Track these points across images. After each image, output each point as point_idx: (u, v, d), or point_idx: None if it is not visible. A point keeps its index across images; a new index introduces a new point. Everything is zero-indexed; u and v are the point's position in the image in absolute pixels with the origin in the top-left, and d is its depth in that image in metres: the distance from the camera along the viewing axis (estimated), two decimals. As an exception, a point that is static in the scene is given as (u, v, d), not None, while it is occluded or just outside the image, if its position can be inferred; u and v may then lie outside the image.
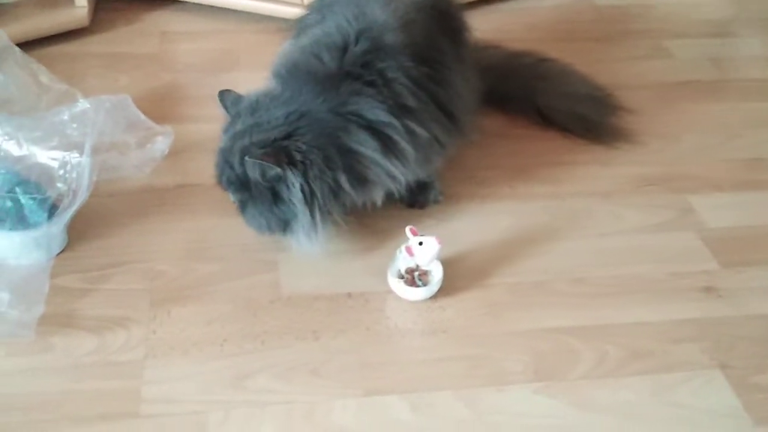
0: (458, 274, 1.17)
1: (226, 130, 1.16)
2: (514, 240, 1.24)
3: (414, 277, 1.12)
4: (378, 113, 1.12)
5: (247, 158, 1.08)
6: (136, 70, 1.59)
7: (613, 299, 1.16)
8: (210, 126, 1.25)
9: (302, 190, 1.09)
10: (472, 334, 1.09)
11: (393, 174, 1.15)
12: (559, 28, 1.80)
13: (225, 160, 1.13)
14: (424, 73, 1.16)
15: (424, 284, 1.12)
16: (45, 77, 1.38)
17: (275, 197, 1.11)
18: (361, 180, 1.14)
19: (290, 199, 1.10)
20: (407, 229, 1.13)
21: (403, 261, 1.13)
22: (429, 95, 1.17)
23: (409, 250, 1.12)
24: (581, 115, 1.47)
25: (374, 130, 1.12)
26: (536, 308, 1.14)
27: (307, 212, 1.11)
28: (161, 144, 1.32)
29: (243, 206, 1.15)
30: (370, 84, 1.12)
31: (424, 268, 1.13)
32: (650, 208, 1.32)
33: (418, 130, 1.15)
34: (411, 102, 1.14)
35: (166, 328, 1.07)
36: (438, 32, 1.23)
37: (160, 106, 1.46)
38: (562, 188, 1.35)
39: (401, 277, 1.13)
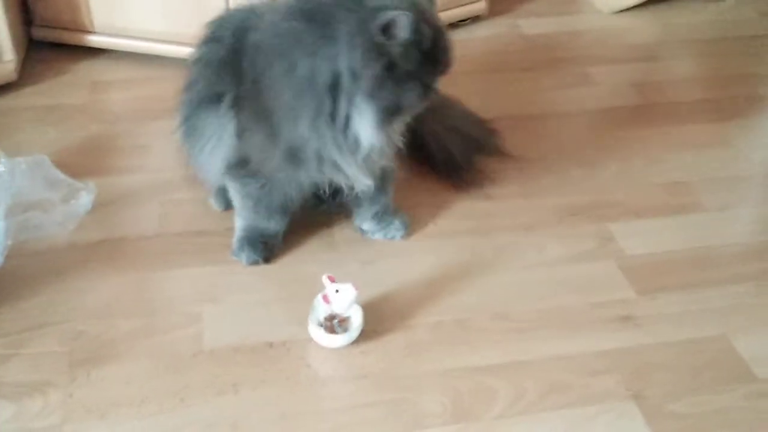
0: (381, 317, 1.18)
1: None
2: (437, 278, 1.26)
3: (333, 324, 1.13)
4: None
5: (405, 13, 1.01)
6: (64, 122, 1.59)
7: (534, 334, 1.17)
8: (136, 177, 1.25)
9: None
10: (393, 378, 1.10)
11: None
12: (488, 59, 1.83)
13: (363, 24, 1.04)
14: None
15: (344, 331, 1.13)
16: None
17: (389, 69, 1.05)
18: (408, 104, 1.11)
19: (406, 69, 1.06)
20: (324, 277, 1.14)
21: (321, 309, 1.14)
22: None
23: (325, 298, 1.13)
24: (450, 156, 1.43)
25: None
26: (457, 347, 1.15)
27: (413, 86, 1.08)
28: (85, 199, 1.32)
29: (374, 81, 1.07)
30: None
31: (342, 315, 1.14)
32: (572, 239, 1.34)
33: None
34: None
35: (85, 390, 1.07)
36: None
37: (86, 159, 1.46)
38: (486, 223, 1.37)
39: (321, 324, 1.14)
